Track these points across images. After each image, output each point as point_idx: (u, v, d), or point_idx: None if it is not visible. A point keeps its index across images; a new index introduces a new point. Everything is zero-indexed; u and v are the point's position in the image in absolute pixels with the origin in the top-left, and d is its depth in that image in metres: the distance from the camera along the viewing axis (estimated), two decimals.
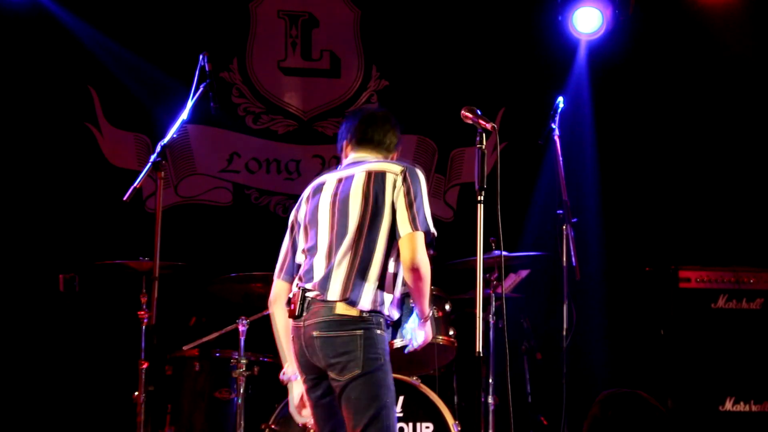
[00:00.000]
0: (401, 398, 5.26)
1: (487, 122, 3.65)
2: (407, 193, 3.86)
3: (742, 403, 6.29)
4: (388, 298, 3.90)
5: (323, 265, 3.89)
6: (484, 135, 3.63)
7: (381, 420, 3.77)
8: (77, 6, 6.82)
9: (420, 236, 3.84)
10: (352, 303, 3.83)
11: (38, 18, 6.76)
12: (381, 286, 3.87)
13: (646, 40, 7.35)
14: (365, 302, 3.84)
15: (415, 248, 3.82)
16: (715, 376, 6.28)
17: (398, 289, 3.95)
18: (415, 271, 3.83)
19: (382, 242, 3.87)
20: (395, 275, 3.93)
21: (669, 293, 6.41)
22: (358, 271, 3.85)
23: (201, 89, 4.89)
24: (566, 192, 5.90)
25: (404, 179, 3.89)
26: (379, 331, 3.87)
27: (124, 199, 4.69)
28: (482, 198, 3.53)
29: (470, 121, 3.68)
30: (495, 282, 5.91)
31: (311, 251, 3.96)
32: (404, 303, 4.29)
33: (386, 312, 3.90)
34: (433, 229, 3.88)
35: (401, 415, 5.37)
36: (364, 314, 3.84)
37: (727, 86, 7.29)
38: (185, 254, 5.91)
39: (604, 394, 3.06)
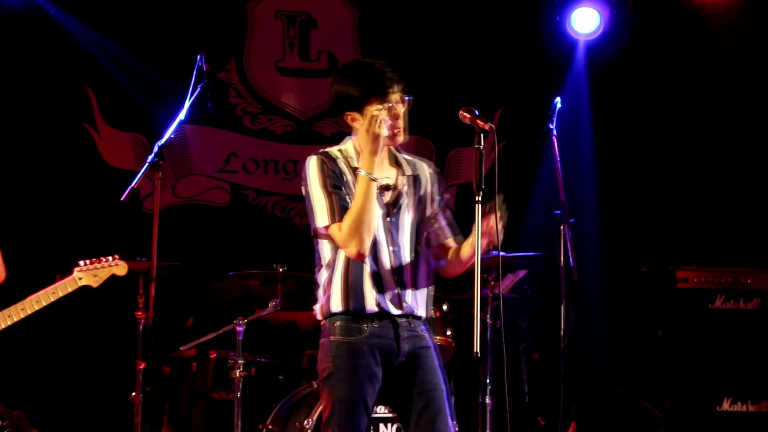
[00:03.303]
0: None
1: (485, 122, 3.64)
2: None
3: (739, 404, 6.29)
4: (331, 297, 3.74)
5: None
6: (482, 135, 3.62)
7: None
8: (74, 6, 6.82)
9: (333, 229, 3.66)
10: (315, 312, 3.83)
11: (35, 18, 6.75)
12: (325, 289, 3.76)
13: (643, 40, 7.36)
14: (317, 310, 3.80)
15: (337, 241, 3.68)
16: (712, 376, 6.29)
17: (335, 284, 3.72)
18: (348, 248, 3.65)
19: (318, 241, 3.81)
20: (330, 269, 3.75)
21: (666, 293, 6.41)
22: (315, 276, 3.83)
23: (198, 89, 4.90)
24: (564, 192, 5.91)
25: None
26: (332, 337, 3.70)
27: (122, 199, 4.70)
28: (480, 198, 3.52)
29: (468, 122, 3.68)
30: (492, 282, 5.92)
31: None
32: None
33: (333, 310, 3.71)
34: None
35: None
36: (321, 322, 3.77)
37: (725, 86, 7.30)
38: (183, 254, 5.91)
39: (587, 396, 3.06)
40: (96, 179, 6.84)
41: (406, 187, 3.80)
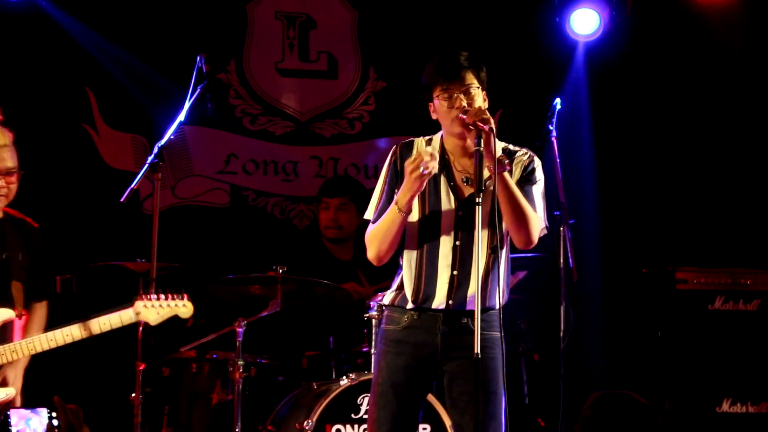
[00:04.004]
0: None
1: (485, 124, 3.65)
2: None
3: (739, 405, 6.29)
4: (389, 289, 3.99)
5: None
6: (481, 136, 3.62)
7: None
8: (74, 7, 6.81)
9: (369, 226, 3.90)
10: None
11: (35, 19, 6.75)
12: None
13: (643, 41, 7.36)
14: None
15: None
16: (712, 377, 6.29)
17: (396, 281, 3.94)
18: (367, 249, 3.87)
19: None
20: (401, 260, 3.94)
21: (666, 294, 6.41)
22: None
23: (198, 90, 4.90)
24: (563, 193, 5.92)
25: None
26: (382, 326, 3.93)
27: (122, 200, 4.70)
28: (480, 200, 3.52)
29: (470, 124, 3.68)
30: None
31: None
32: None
33: (385, 302, 3.98)
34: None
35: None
36: None
37: (725, 87, 7.29)
38: (182, 255, 5.91)
39: (596, 396, 3.06)
40: (95, 180, 6.84)
41: (488, 182, 3.70)
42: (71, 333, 4.62)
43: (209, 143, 7.14)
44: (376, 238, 3.79)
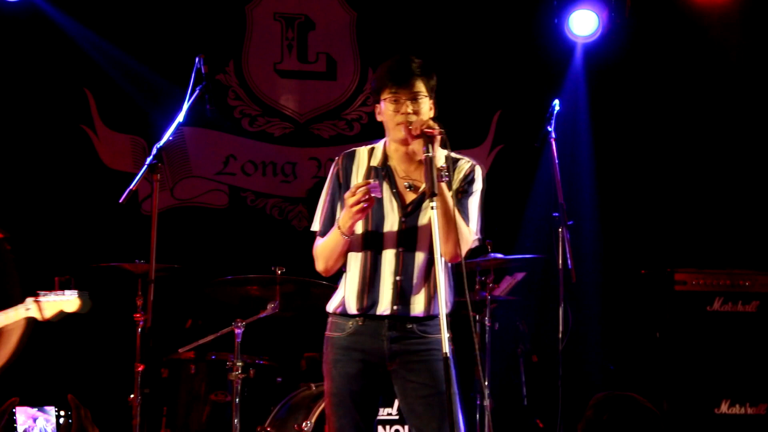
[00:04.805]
0: (397, 401, 5.25)
1: (433, 129, 3.64)
2: None
3: (737, 406, 6.29)
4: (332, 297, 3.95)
5: None
6: (430, 143, 3.61)
7: None
8: (73, 8, 6.81)
9: (317, 239, 3.88)
10: None
11: (34, 20, 6.75)
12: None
13: (642, 42, 7.36)
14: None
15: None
16: (710, 378, 6.29)
17: (339, 288, 3.89)
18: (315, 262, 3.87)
19: None
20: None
21: (665, 296, 6.42)
22: None
23: (197, 92, 4.89)
24: (562, 194, 5.92)
25: None
26: (327, 333, 3.88)
27: (120, 201, 4.69)
28: (435, 205, 3.49)
29: (419, 134, 3.66)
30: (491, 285, 5.93)
31: None
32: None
33: (328, 309, 3.91)
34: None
35: (397, 417, 5.38)
36: None
37: (724, 88, 7.30)
38: (181, 257, 5.91)
39: (598, 397, 3.05)
40: (94, 181, 6.84)
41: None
42: None
43: (208, 144, 7.14)
44: (322, 255, 3.80)
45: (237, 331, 5.42)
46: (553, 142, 5.97)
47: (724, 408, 6.28)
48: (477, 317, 6.01)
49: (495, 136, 7.37)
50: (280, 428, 5.37)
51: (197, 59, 4.89)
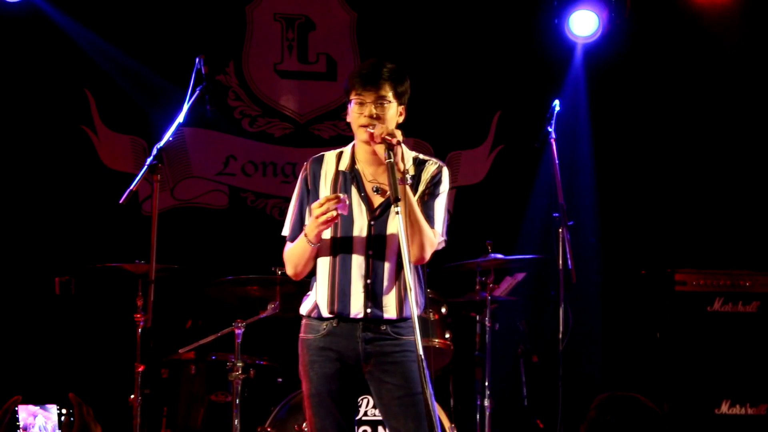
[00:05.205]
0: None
1: (392, 138, 3.66)
2: None
3: (738, 406, 6.29)
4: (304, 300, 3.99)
5: None
6: (391, 149, 3.63)
7: None
8: (73, 8, 6.81)
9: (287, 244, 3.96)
10: None
11: (34, 20, 6.74)
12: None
13: (642, 42, 7.36)
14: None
15: None
16: (711, 379, 6.29)
17: (311, 291, 3.93)
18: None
19: None
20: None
21: (665, 296, 6.42)
22: None
23: (197, 92, 4.90)
24: (562, 195, 5.92)
25: None
26: (301, 335, 3.92)
27: (120, 201, 4.69)
28: (399, 209, 3.52)
29: (379, 141, 3.68)
30: (491, 285, 5.93)
31: None
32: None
33: (301, 311, 3.94)
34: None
35: None
36: None
37: (724, 88, 7.30)
38: (181, 257, 5.91)
39: (601, 398, 3.06)
40: (95, 182, 6.83)
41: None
42: None
43: (208, 145, 7.14)
44: (291, 261, 3.87)
45: (237, 331, 5.42)
46: (553, 143, 5.97)
47: (724, 408, 6.28)
48: (478, 317, 6.02)
49: (495, 137, 7.36)
50: (281, 429, 5.37)
51: (197, 60, 4.89)
